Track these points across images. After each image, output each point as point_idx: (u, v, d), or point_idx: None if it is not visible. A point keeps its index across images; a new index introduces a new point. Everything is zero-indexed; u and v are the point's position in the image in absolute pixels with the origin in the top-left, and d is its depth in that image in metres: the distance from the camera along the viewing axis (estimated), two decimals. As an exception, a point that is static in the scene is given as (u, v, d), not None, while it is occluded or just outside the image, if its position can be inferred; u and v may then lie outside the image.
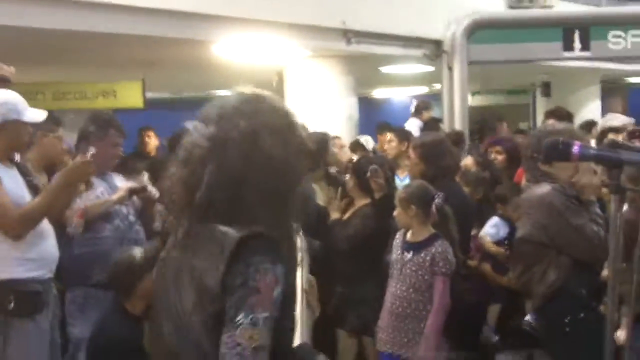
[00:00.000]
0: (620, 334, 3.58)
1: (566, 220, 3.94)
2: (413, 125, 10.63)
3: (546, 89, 17.82)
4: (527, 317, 4.87)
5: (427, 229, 4.64)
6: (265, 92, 2.33)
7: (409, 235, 4.70)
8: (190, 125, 2.27)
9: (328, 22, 9.49)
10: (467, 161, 6.08)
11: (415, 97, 13.60)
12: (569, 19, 11.80)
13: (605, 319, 2.57)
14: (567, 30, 11.40)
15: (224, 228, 2.12)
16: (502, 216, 5.19)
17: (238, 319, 2.02)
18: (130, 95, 11.57)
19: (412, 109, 11.88)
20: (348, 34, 9.79)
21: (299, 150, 2.26)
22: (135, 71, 11.17)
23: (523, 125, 17.31)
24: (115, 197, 4.99)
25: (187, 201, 2.21)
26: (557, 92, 17.00)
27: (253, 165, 2.16)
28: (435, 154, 5.27)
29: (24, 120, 4.25)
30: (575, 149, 2.45)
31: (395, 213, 4.71)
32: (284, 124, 2.26)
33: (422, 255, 4.58)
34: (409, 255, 4.63)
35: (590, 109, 15.56)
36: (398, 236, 4.77)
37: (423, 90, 18.17)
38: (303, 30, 9.19)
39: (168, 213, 5.24)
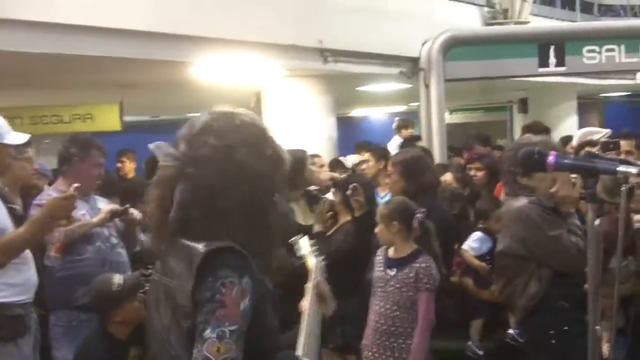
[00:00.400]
0: (605, 347, 3.58)
1: (543, 232, 3.96)
2: (394, 143, 10.67)
3: (523, 105, 17.96)
4: (510, 331, 4.89)
5: (410, 244, 4.62)
6: (237, 109, 2.33)
7: (391, 251, 4.68)
8: (152, 146, 2.28)
9: (305, 41, 9.51)
10: (447, 177, 6.10)
11: (398, 115, 13.65)
12: (544, 35, 11.89)
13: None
14: (542, 45, 11.49)
15: (191, 244, 2.13)
16: (484, 230, 5.20)
17: (206, 333, 2.03)
18: (108, 118, 11.52)
19: (394, 127, 11.96)
20: (325, 53, 9.82)
21: (275, 161, 2.26)
22: (113, 94, 11.13)
23: (501, 142, 17.41)
24: (96, 219, 4.93)
25: (162, 222, 2.22)
26: (534, 108, 17.12)
27: (227, 179, 2.16)
28: (416, 170, 5.29)
29: (6, 143, 4.23)
30: (551, 158, 2.46)
31: (377, 230, 4.69)
32: (257, 136, 2.26)
33: (406, 271, 4.55)
34: (392, 273, 4.61)
35: (567, 125, 15.68)
36: (379, 253, 4.75)
37: (401, 108, 18.25)
38: (280, 50, 9.20)
39: (147, 235, 5.24)
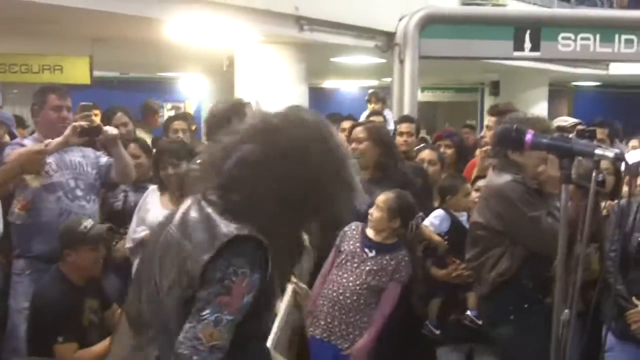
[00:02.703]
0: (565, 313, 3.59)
1: (522, 212, 3.96)
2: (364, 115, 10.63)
3: (495, 88, 18.02)
4: (468, 312, 4.89)
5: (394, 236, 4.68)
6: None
7: (370, 232, 4.68)
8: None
9: (281, 7, 9.41)
10: (424, 154, 6.02)
11: (370, 89, 13.61)
12: (521, 19, 11.90)
13: (549, 312, 2.56)
14: (518, 29, 11.49)
15: (222, 221, 2.12)
16: (446, 210, 5.17)
17: (204, 313, 2.03)
18: (77, 71, 11.34)
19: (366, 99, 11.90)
20: (301, 21, 9.73)
21: (336, 170, 2.23)
22: (83, 47, 10.97)
23: (471, 123, 17.48)
24: (61, 138, 4.65)
25: (210, 175, 2.22)
26: (505, 91, 17.18)
27: (292, 167, 2.16)
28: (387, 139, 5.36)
29: None
30: (528, 137, 2.44)
31: (374, 214, 4.65)
32: (328, 139, 2.26)
33: (387, 258, 4.58)
34: (370, 254, 4.61)
35: (536, 110, 15.68)
36: (354, 227, 4.72)
37: (373, 83, 18.21)
38: (255, 14, 9.09)
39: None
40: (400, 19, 11.16)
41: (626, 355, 4.40)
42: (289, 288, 3.13)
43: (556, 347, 2.52)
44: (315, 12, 9.82)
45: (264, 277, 2.11)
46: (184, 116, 8.58)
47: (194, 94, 17.80)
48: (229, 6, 8.62)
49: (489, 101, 18.23)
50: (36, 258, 4.73)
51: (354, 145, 5.25)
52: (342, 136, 5.51)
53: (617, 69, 15.79)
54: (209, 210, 2.15)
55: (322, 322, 4.58)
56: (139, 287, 2.29)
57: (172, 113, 17.40)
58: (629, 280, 4.34)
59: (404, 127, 6.95)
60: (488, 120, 6.29)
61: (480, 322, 4.77)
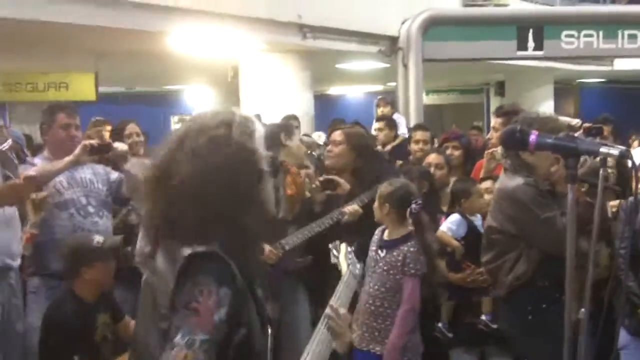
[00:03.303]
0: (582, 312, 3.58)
1: (535, 215, 3.92)
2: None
3: (500, 88, 18.00)
4: (483, 317, 4.89)
5: (404, 228, 4.57)
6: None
7: (386, 233, 4.65)
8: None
9: (284, 16, 9.45)
10: (431, 158, 6.01)
11: (375, 94, 13.60)
12: (523, 18, 11.89)
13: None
14: (521, 29, 11.49)
15: (180, 247, 2.09)
16: (462, 213, 5.16)
17: (176, 339, 1.98)
18: (83, 88, 11.41)
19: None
20: (304, 29, 9.76)
21: (238, 153, 2.15)
22: (88, 63, 11.02)
23: (478, 124, 17.46)
24: (70, 156, 4.64)
25: (153, 224, 2.18)
26: (510, 92, 17.17)
27: (201, 180, 2.09)
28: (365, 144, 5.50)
29: None
30: (533, 137, 2.43)
31: (374, 205, 4.66)
32: (220, 134, 2.16)
33: (395, 254, 4.49)
34: (382, 254, 4.58)
35: (543, 109, 15.65)
36: (377, 233, 4.71)
37: (378, 88, 18.22)
38: (258, 24, 9.13)
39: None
40: (403, 23, 11.17)
41: (641, 351, 4.38)
42: (323, 316, 3.02)
43: (568, 347, 2.51)
44: (317, 19, 9.84)
45: (234, 290, 2.06)
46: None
47: (200, 106, 17.85)
48: (232, 16, 8.65)
49: (495, 102, 18.22)
50: (50, 276, 4.73)
51: (329, 147, 5.33)
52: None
53: (622, 65, 15.75)
54: (170, 242, 2.14)
55: (360, 332, 4.56)
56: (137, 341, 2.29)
57: (179, 126, 17.43)
58: (640, 277, 4.33)
59: (419, 135, 6.96)
60: (494, 121, 6.28)
61: (494, 327, 4.76)
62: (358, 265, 3.47)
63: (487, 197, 5.02)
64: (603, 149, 2.36)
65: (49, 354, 4.16)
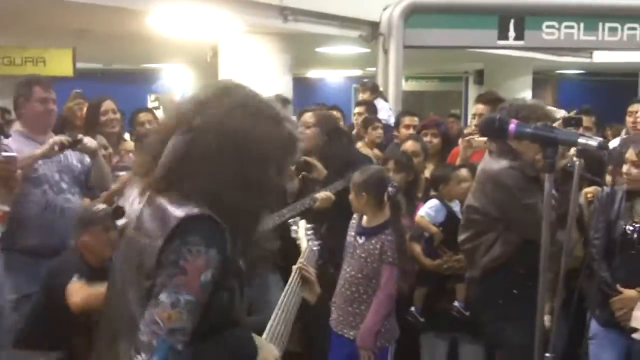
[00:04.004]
0: (547, 319, 3.60)
1: (517, 200, 3.94)
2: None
3: (479, 77, 18.04)
4: (456, 303, 4.91)
5: (383, 215, 4.58)
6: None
7: (364, 219, 4.65)
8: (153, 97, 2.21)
9: (265, -3, 9.40)
10: (408, 145, 6.00)
11: (354, 79, 13.58)
12: (505, 7, 11.89)
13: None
14: (502, 18, 11.51)
15: (171, 207, 2.05)
16: (440, 199, 5.16)
17: (161, 296, 1.97)
18: (60, 63, 11.30)
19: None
20: (285, 11, 9.71)
21: (283, 140, 2.18)
22: (67, 39, 10.92)
23: (455, 112, 17.50)
24: (39, 151, 4.70)
25: (148, 170, 2.16)
26: (489, 80, 17.20)
27: (227, 143, 2.09)
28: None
29: None
30: (512, 126, 2.44)
31: (350, 197, 4.65)
32: (271, 115, 2.21)
33: (373, 241, 4.51)
34: (360, 240, 4.58)
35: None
36: (355, 218, 4.71)
37: (357, 72, 18.21)
38: (239, 5, 9.08)
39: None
40: (385, 9, 11.15)
41: (610, 342, 4.41)
42: (294, 269, 3.08)
43: (539, 335, 2.53)
44: (299, 2, 9.80)
45: (223, 255, 2.04)
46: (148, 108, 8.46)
47: (178, 85, 17.76)
48: (213, -3, 8.60)
49: (473, 90, 18.27)
50: (21, 251, 4.69)
51: (301, 129, 5.35)
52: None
53: (601, 57, 15.82)
54: (160, 200, 2.09)
55: (335, 316, 4.59)
56: (109, 296, 2.25)
57: (156, 104, 17.33)
58: (613, 267, 4.35)
59: (407, 120, 6.97)
60: (476, 108, 6.28)
61: (467, 313, 4.79)
62: (316, 242, 3.55)
63: (463, 185, 5.03)
64: (581, 140, 2.37)
65: (51, 314, 4.13)
